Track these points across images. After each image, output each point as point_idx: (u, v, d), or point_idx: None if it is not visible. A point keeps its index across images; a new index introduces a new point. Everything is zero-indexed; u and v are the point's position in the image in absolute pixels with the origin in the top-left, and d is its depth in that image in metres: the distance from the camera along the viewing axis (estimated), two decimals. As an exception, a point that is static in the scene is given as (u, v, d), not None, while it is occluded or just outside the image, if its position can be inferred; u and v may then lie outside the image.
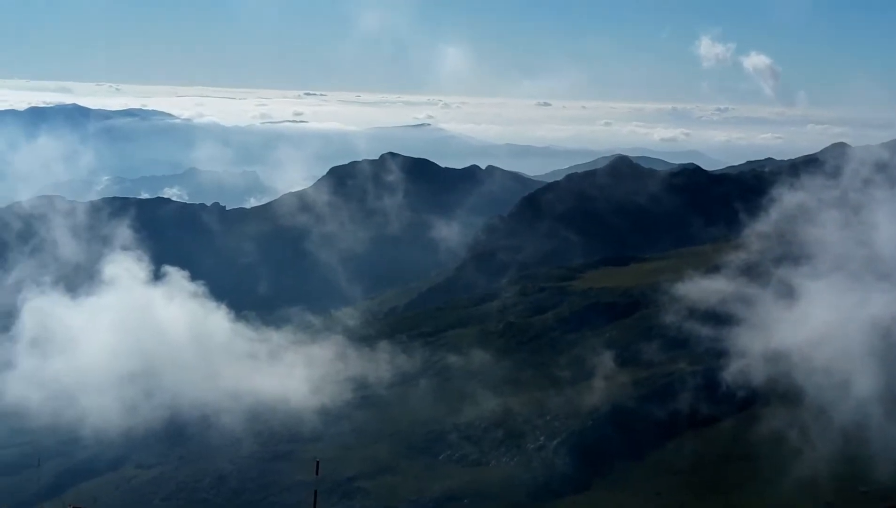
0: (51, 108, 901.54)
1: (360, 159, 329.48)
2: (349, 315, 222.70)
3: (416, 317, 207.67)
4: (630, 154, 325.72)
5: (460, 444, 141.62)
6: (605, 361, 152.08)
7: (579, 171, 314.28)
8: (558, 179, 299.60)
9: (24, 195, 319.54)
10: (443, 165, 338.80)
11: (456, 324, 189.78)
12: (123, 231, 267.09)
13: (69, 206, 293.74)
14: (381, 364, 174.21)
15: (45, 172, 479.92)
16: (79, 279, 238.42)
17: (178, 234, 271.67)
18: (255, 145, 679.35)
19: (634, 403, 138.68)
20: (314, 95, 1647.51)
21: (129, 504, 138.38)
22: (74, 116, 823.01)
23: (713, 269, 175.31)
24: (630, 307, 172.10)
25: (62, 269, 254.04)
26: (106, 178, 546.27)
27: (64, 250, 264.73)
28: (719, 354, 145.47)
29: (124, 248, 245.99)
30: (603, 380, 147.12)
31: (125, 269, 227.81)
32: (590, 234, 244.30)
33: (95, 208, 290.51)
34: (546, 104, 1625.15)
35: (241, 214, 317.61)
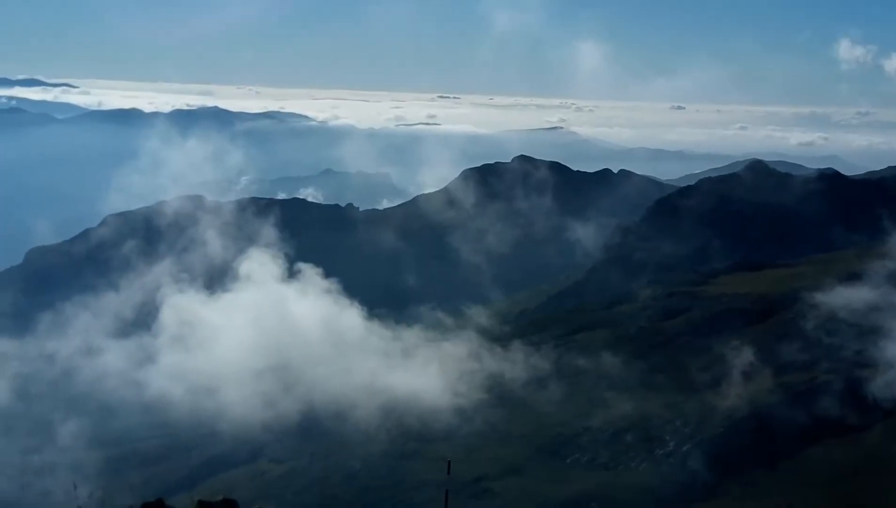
0: (194, 110, 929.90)
1: (492, 162, 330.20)
2: (481, 314, 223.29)
3: (547, 319, 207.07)
4: (766, 158, 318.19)
5: (589, 447, 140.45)
6: (740, 366, 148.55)
7: (713, 175, 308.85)
8: (691, 183, 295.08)
9: (168, 195, 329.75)
10: (574, 168, 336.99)
11: (587, 327, 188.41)
12: (261, 230, 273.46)
13: (210, 205, 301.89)
14: (514, 365, 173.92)
15: (187, 173, 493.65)
16: (217, 276, 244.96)
17: (314, 234, 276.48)
18: (389, 147, 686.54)
19: (771, 409, 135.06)
20: (447, 97, 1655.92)
21: (261, 498, 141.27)
22: (216, 118, 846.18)
23: (854, 277, 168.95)
24: (765, 313, 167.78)
25: (201, 266, 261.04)
26: (244, 178, 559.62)
27: (203, 248, 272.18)
28: (862, 363, 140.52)
29: (261, 246, 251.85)
30: (738, 385, 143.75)
31: (262, 266, 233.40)
32: (724, 238, 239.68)
33: (235, 208, 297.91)
34: (680, 108, 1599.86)
35: (375, 214, 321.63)
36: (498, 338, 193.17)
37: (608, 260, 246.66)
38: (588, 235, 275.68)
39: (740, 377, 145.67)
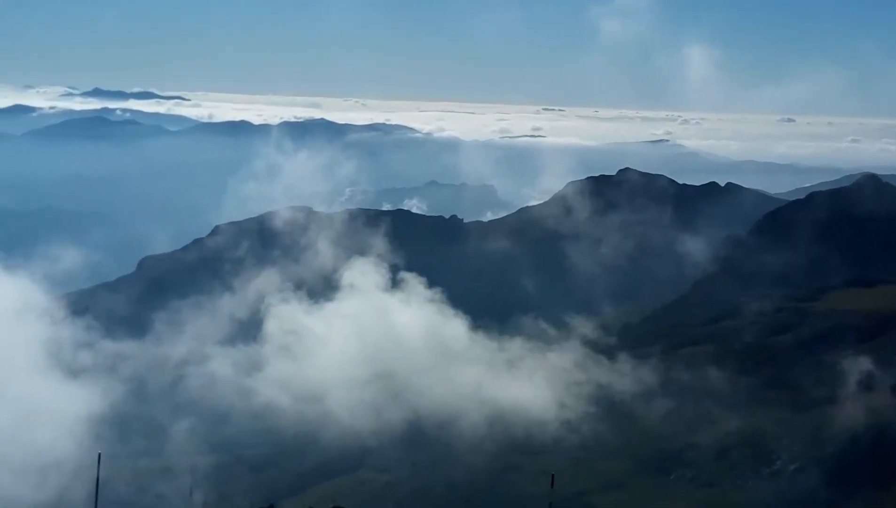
0: (301, 122, 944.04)
1: (597, 175, 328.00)
2: (585, 325, 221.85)
3: (652, 332, 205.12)
4: (880, 172, 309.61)
5: (694, 464, 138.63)
6: (851, 384, 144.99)
7: (824, 189, 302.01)
8: (801, 196, 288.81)
9: (277, 205, 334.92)
10: (681, 181, 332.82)
11: (693, 341, 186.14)
12: (366, 241, 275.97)
13: (317, 216, 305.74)
14: (621, 377, 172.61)
15: (295, 184, 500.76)
16: (323, 286, 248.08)
17: (418, 245, 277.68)
18: (494, 159, 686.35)
19: (885, 430, 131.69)
20: (553, 109, 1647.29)
21: (363, 506, 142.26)
22: (323, 130, 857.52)
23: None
24: (878, 330, 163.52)
25: (308, 275, 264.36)
26: (349, 189, 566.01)
27: (310, 257, 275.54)
28: None
29: (366, 256, 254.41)
30: (854, 401, 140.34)
31: (366, 276, 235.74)
32: (836, 253, 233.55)
33: (342, 219, 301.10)
34: (790, 120, 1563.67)
35: (479, 226, 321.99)
36: (604, 350, 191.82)
37: (715, 274, 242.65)
38: (694, 248, 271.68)
39: (850, 396, 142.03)
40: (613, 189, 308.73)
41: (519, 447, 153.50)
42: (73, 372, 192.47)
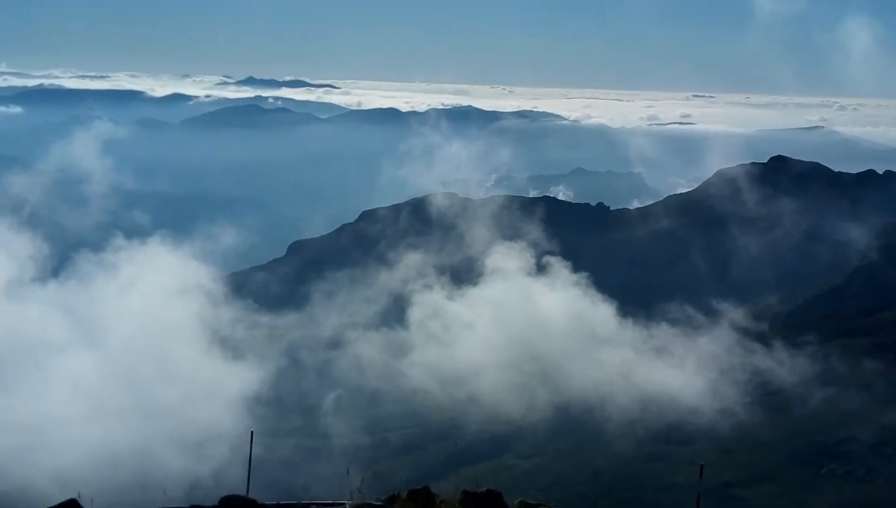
0: (449, 109, 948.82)
1: (747, 162, 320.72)
2: (734, 313, 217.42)
3: (804, 321, 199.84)
4: None
5: (848, 458, 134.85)
6: None
7: None
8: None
9: (424, 191, 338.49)
10: (836, 169, 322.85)
11: (847, 333, 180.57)
12: (512, 227, 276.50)
13: (464, 202, 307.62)
14: (778, 366, 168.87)
15: (442, 170, 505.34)
16: (468, 271, 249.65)
17: (564, 232, 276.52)
18: (640, 147, 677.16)
19: None
20: (702, 96, 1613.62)
21: (506, 493, 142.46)
22: (470, 117, 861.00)
23: None
24: None
25: (454, 260, 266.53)
26: (495, 176, 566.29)
27: (456, 243, 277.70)
28: None
29: (512, 242, 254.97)
30: None
31: (512, 261, 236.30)
32: None
33: (488, 205, 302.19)
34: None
35: (625, 214, 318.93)
36: (757, 337, 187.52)
37: (872, 263, 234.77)
38: (850, 237, 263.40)
39: None
40: (765, 177, 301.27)
41: (666, 435, 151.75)
42: (231, 350, 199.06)
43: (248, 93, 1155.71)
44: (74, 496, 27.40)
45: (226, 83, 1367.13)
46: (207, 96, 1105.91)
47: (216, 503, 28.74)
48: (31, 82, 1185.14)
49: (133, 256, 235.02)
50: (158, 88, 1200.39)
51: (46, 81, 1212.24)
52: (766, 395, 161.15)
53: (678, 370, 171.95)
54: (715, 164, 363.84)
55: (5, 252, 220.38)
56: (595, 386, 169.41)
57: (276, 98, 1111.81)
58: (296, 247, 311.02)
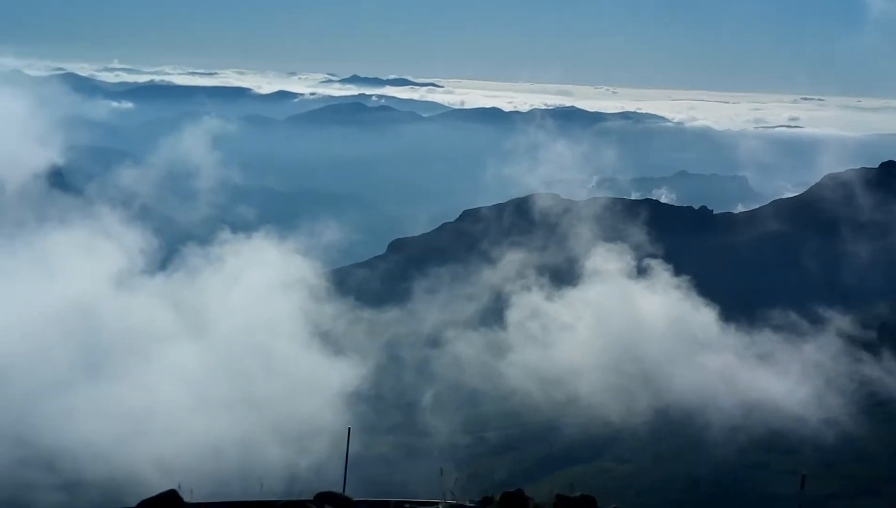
0: (551, 109, 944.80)
1: (857, 168, 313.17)
2: (840, 320, 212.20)
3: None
4: None
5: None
6: None
7: None
8: None
9: (526, 191, 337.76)
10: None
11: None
12: (614, 229, 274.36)
13: (566, 202, 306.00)
14: (883, 376, 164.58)
15: (544, 170, 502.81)
16: (568, 272, 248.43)
17: (666, 235, 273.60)
18: (746, 150, 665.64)
19: None
20: (811, 99, 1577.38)
21: (602, 497, 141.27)
22: (573, 117, 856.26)
23: None
24: None
25: (551, 261, 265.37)
26: (596, 177, 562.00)
27: (557, 244, 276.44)
28: None
29: (613, 244, 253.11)
30: None
31: (611, 263, 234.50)
32: None
33: (590, 206, 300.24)
34: None
35: (729, 218, 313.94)
36: (865, 345, 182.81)
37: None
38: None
39: None
40: (877, 181, 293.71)
41: (768, 443, 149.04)
42: (332, 345, 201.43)
43: (352, 91, 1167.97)
44: (175, 486, 28.13)
45: (331, 81, 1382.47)
46: (312, 94, 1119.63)
47: (312, 497, 29.17)
48: (142, 79, 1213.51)
49: (238, 250, 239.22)
50: (265, 85, 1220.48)
51: (157, 78, 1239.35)
52: (873, 405, 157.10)
53: (782, 378, 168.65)
54: (824, 168, 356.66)
55: (116, 245, 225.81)
56: (696, 391, 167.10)
57: (380, 96, 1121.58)
58: (396, 244, 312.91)
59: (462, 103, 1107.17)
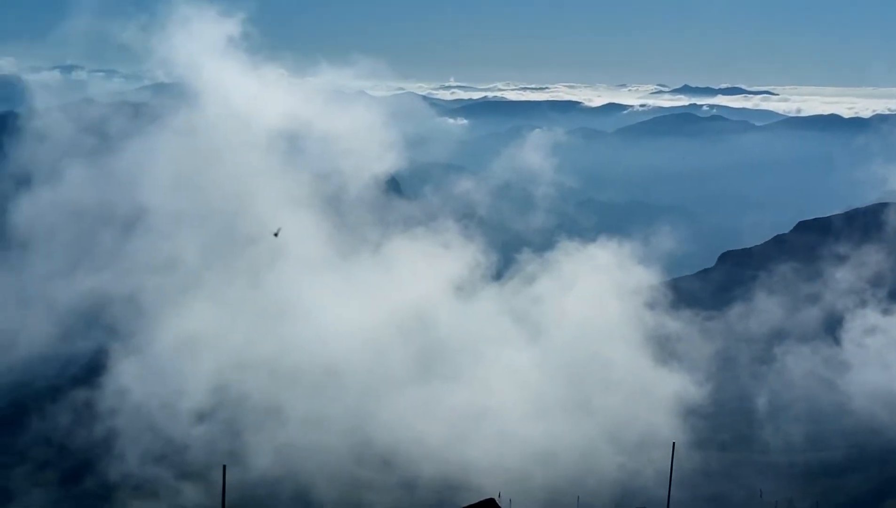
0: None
1: None
2: None
3: None
4: None
5: None
6: None
7: None
8: None
9: (864, 201, 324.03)
10: None
11: None
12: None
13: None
14: None
15: (887, 180, 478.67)
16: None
17: None
18: None
19: None
20: None
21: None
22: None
23: None
24: None
25: (892, 276, 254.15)
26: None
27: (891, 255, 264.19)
28: None
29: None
30: None
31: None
32: None
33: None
34: None
35: None
36: None
37: None
38: None
39: None
40: None
41: None
42: (667, 355, 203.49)
43: (682, 101, 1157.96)
44: (495, 495, 32.35)
45: (661, 92, 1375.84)
46: (642, 106, 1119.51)
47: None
48: (476, 95, 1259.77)
49: (574, 258, 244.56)
50: (595, 98, 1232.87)
51: (490, 94, 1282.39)
52: None
53: None
54: None
55: (455, 253, 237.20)
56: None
57: (712, 106, 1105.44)
58: (727, 256, 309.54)
59: (798, 111, 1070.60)
